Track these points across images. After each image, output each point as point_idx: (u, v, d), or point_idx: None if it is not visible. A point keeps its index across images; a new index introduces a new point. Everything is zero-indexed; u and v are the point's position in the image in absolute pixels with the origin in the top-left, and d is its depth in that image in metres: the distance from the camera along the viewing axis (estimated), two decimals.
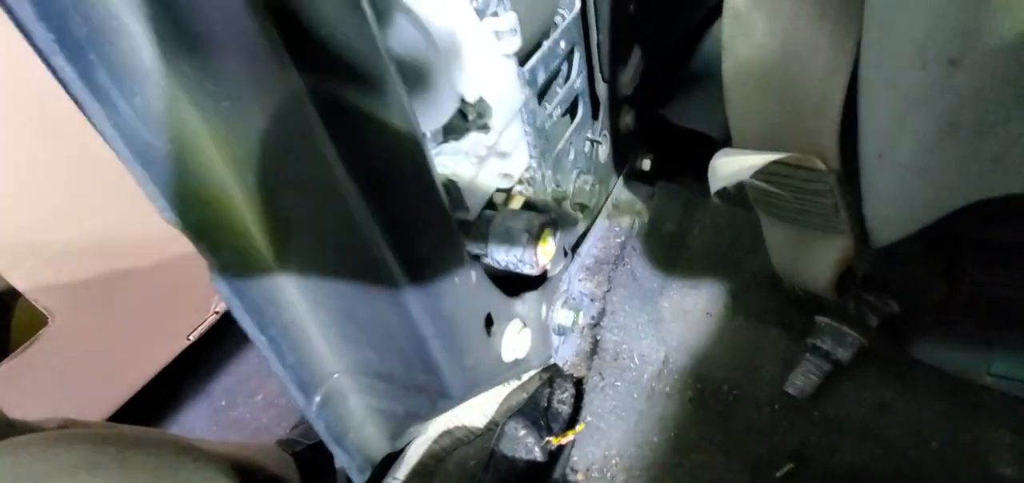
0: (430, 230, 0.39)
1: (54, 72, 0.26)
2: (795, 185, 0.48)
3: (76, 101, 0.27)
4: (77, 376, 0.98)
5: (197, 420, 1.22)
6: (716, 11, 0.47)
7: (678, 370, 0.63)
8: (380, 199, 0.34)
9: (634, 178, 0.85)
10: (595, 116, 0.67)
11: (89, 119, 0.27)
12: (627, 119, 0.77)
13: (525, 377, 0.67)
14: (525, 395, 0.65)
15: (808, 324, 0.60)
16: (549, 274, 0.63)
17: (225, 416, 1.21)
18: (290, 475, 0.79)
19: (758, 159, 0.44)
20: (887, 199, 0.39)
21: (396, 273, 0.37)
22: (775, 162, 0.45)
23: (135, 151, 0.29)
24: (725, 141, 0.50)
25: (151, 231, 0.98)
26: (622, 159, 0.81)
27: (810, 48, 0.43)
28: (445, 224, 0.41)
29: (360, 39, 0.29)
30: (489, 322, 0.51)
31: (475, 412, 0.66)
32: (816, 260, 0.53)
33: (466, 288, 0.45)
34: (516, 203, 0.56)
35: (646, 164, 0.84)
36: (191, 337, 1.16)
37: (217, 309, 1.18)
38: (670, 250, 0.75)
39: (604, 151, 0.73)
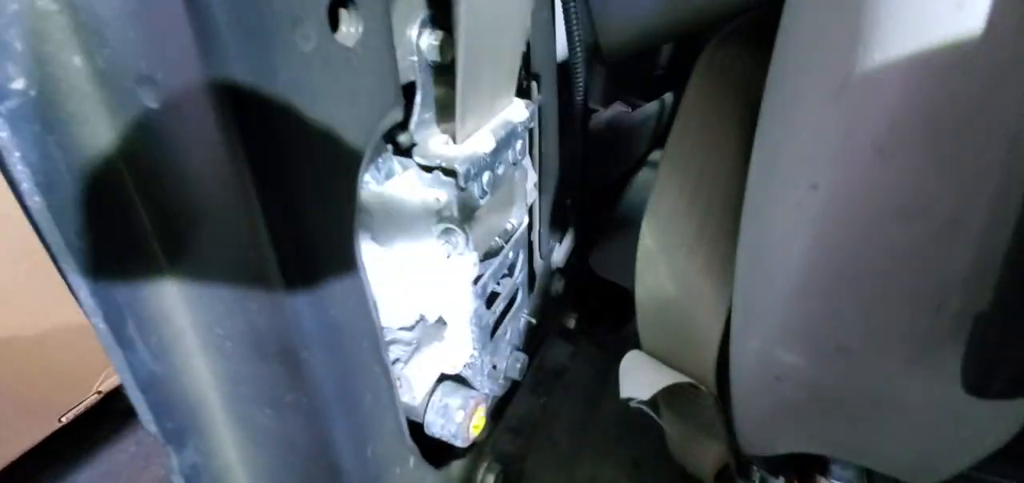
0: (385, 431, 0.45)
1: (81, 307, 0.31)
2: (685, 397, 0.59)
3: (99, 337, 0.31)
4: None
5: None
6: (641, 161, 0.59)
7: None
8: (346, 406, 0.40)
9: (558, 336, 0.95)
10: (530, 290, 0.77)
11: (107, 352, 0.32)
12: (557, 284, 0.87)
13: None
14: None
15: None
16: (476, 442, 0.69)
17: None
18: None
19: (658, 380, 0.55)
20: (745, 427, 0.50)
21: (352, 472, 0.41)
22: (670, 389, 0.56)
23: (139, 378, 0.33)
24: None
25: (44, 293, 0.89)
26: (550, 322, 0.91)
27: (697, 296, 0.55)
28: (396, 422, 0.47)
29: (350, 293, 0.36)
30: None
31: None
32: (701, 454, 0.63)
33: (405, 475, 0.50)
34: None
35: (570, 323, 0.94)
36: (64, 418, 1.04)
37: (99, 389, 1.08)
38: (584, 416, 0.83)
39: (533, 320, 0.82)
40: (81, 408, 1.05)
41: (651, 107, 1.11)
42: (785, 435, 0.42)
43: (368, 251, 0.45)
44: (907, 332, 0.26)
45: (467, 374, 0.63)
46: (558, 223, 0.78)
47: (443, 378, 0.63)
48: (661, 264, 0.57)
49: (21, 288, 0.87)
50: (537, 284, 0.79)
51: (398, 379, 0.54)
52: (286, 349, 0.36)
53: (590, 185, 0.92)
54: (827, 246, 0.28)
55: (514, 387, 0.84)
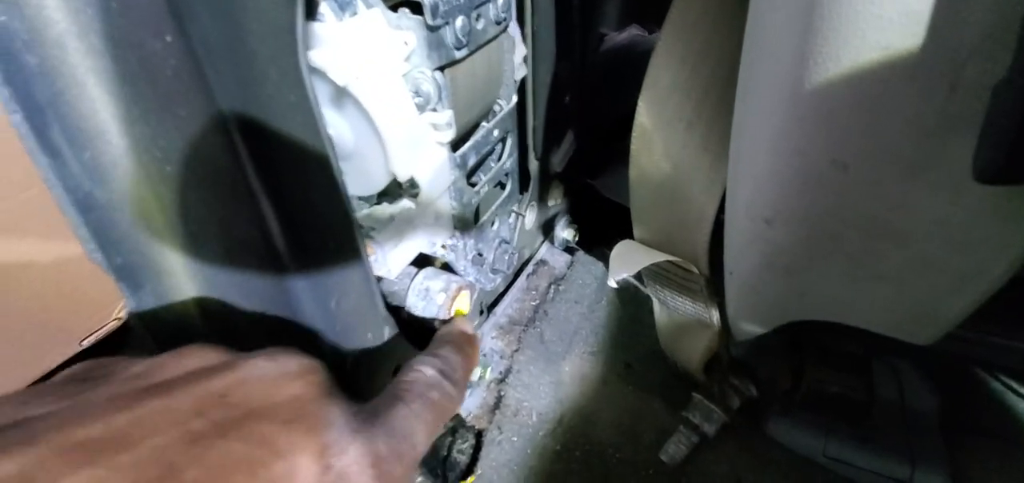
0: (350, 288, 0.43)
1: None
2: (676, 282, 0.56)
3: (26, 148, 0.29)
4: None
5: None
6: None
7: (570, 430, 0.69)
8: (305, 254, 0.38)
9: (557, 245, 0.93)
10: (524, 190, 0.74)
11: (35, 163, 0.30)
12: (555, 193, 0.84)
13: None
14: None
15: (686, 399, 0.68)
16: None
17: None
18: None
19: (646, 259, 0.52)
20: (737, 305, 0.48)
21: (315, 323, 0.40)
22: (658, 263, 0.53)
23: (75, 200, 0.31)
24: None
25: (53, 223, 0.91)
26: (547, 227, 0.89)
27: (693, 172, 0.52)
28: (365, 283, 0.45)
29: (302, 115, 0.33)
30: (398, 370, 0.54)
31: None
32: (690, 344, 0.61)
33: (378, 342, 0.48)
34: (437, 264, 0.61)
35: (569, 234, 0.92)
36: (85, 342, 1.08)
37: (119, 316, 1.11)
38: (578, 319, 0.82)
39: (530, 219, 0.80)
40: (102, 333, 1.08)
41: None
42: (777, 301, 0.40)
43: (330, 92, 0.42)
44: (913, 129, 0.23)
45: (450, 258, 0.61)
46: (555, 122, 0.74)
47: (425, 262, 0.61)
48: (657, 141, 0.54)
49: (33, 214, 0.88)
50: (532, 186, 0.76)
51: (372, 251, 0.52)
52: (234, 179, 0.34)
53: (601, 111, 0.88)
54: (823, 36, 0.24)
55: (506, 289, 0.83)
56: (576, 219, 0.94)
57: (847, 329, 0.66)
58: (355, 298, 0.43)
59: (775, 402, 0.67)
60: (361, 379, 0.49)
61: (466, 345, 0.39)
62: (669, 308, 0.61)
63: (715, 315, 0.56)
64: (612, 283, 0.53)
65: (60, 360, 1.04)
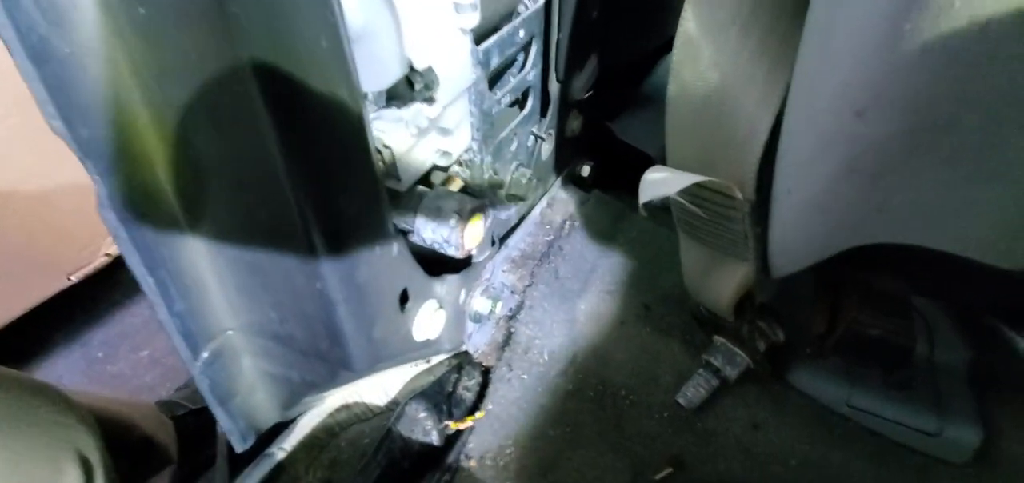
0: (355, 192, 0.38)
1: None
2: (713, 209, 0.51)
3: None
4: None
5: (68, 370, 1.06)
6: (671, 44, 0.49)
7: (584, 370, 0.65)
8: (306, 149, 0.32)
9: (572, 182, 0.88)
10: (543, 113, 0.68)
11: None
12: (574, 123, 0.78)
13: (434, 361, 0.67)
14: (432, 379, 0.65)
15: (706, 343, 0.64)
16: (474, 259, 0.63)
17: (102, 369, 1.06)
18: (166, 438, 0.71)
19: (685, 178, 0.47)
20: (790, 232, 0.43)
21: (312, 229, 0.35)
22: (699, 185, 0.48)
23: (28, 45, 0.25)
24: (662, 162, 0.53)
25: (43, 150, 0.86)
26: (563, 161, 0.83)
27: (746, 83, 0.46)
28: (372, 188, 0.40)
29: None
30: (404, 298, 0.50)
31: (377, 390, 0.65)
32: (721, 281, 0.57)
33: (385, 258, 0.43)
34: (452, 186, 0.56)
35: (585, 170, 0.87)
36: (73, 277, 1.03)
37: (108, 252, 1.06)
38: (594, 257, 0.77)
39: (547, 149, 0.74)
40: (90, 268, 1.03)
41: None
42: (846, 219, 0.35)
43: None
44: None
45: (465, 176, 0.56)
46: (580, 40, 0.67)
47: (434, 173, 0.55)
48: (704, 48, 0.47)
49: (15, 142, 0.82)
50: (551, 111, 0.70)
51: (379, 151, 0.46)
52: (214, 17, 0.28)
53: (628, 36, 0.81)
54: None
55: (519, 222, 0.78)
56: (592, 156, 0.89)
57: (892, 268, 0.62)
58: (360, 203, 0.38)
59: (801, 348, 0.64)
60: (367, 298, 0.44)
61: None
62: (700, 242, 0.57)
63: (752, 249, 0.51)
64: (642, 205, 0.48)
65: (48, 294, 1.00)
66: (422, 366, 0.68)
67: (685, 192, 0.53)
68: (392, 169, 0.46)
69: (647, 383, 0.65)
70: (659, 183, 0.49)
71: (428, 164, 0.50)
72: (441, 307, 0.56)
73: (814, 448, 0.60)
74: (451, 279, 0.58)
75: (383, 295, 0.46)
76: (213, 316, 0.41)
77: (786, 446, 0.60)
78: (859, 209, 0.33)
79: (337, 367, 0.46)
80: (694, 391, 0.62)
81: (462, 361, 0.68)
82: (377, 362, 0.47)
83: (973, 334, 0.67)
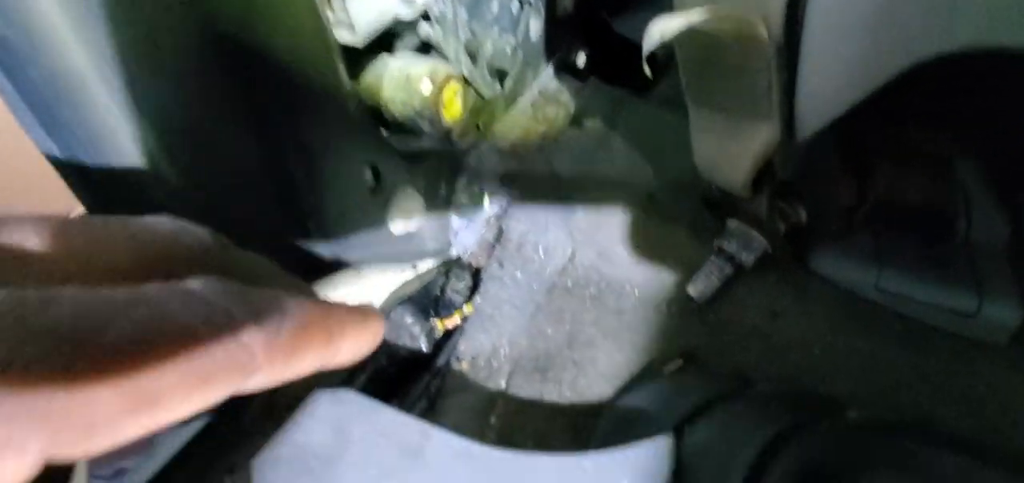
0: (295, 29, 0.30)
1: None
2: (731, 61, 0.44)
3: None
4: None
5: None
6: None
7: (583, 266, 0.60)
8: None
9: (565, 70, 0.79)
10: None
11: None
12: (566, 2, 0.69)
13: (422, 269, 0.61)
14: (420, 287, 0.60)
15: (718, 229, 0.58)
16: (455, 145, 0.56)
17: None
18: None
19: (697, 14, 0.39)
20: (830, 65, 0.35)
21: (265, 99, 0.28)
22: (718, 25, 0.40)
23: None
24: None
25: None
26: (555, 46, 0.74)
27: None
28: (314, 24, 0.32)
29: None
30: (376, 176, 0.43)
31: (362, 301, 0.59)
32: (738, 152, 0.49)
33: (339, 119, 0.36)
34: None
35: (580, 59, 0.78)
36: None
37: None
38: (592, 147, 0.70)
39: (536, 27, 0.65)
40: None
41: None
42: (908, 29, 0.27)
43: None
44: None
45: (435, 36, 0.47)
46: None
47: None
48: None
49: None
50: None
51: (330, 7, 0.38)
52: None
53: None
54: None
55: (506, 110, 0.70)
56: (587, 45, 0.79)
57: (934, 122, 0.54)
58: (311, 53, 0.30)
59: (826, 229, 0.57)
60: (325, 171, 0.37)
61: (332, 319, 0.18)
62: (715, 109, 0.49)
63: (777, 103, 0.43)
64: (647, 49, 0.40)
65: None
66: (410, 273, 0.62)
67: (700, 45, 0.45)
68: (342, 15, 0.38)
69: (653, 276, 0.59)
70: (668, 24, 0.40)
71: (389, 14, 0.41)
72: (420, 195, 0.49)
73: (838, 335, 0.54)
74: (431, 165, 0.51)
75: (347, 165, 0.39)
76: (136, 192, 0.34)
77: (809, 334, 0.54)
78: (924, 11, 0.25)
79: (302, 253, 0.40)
80: (706, 281, 0.56)
81: (450, 264, 0.62)
82: (351, 247, 0.41)
83: (1014, 207, 0.61)
